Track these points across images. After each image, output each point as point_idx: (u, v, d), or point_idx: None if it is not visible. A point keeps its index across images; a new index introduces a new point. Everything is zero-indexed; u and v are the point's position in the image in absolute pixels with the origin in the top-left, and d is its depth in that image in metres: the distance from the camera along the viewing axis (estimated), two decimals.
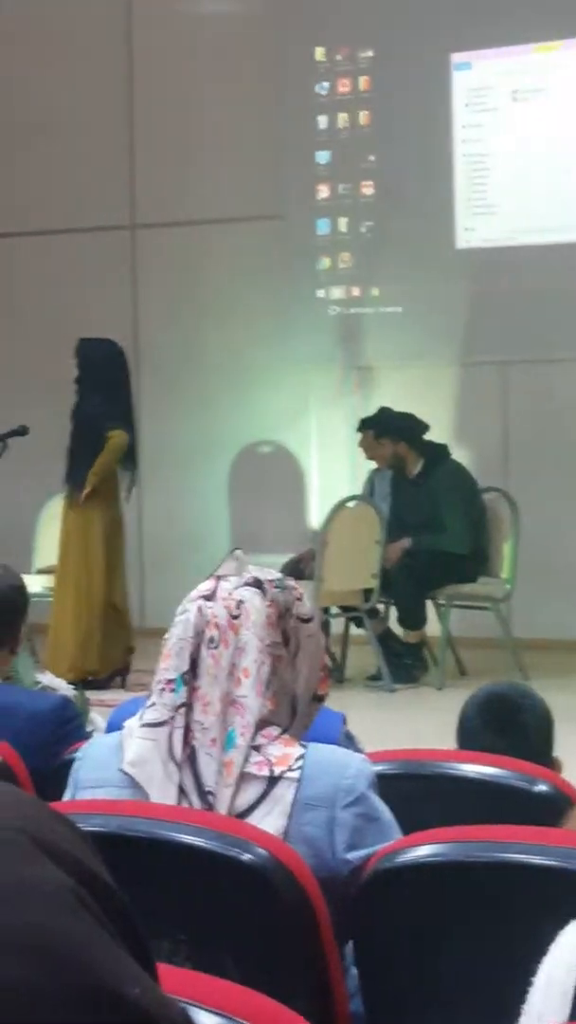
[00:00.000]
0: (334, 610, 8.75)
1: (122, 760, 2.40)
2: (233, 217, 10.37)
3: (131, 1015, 0.63)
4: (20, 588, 3.67)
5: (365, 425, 9.07)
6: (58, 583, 8.61)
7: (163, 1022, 0.64)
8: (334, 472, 10.06)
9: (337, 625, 8.84)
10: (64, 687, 4.64)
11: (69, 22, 10.75)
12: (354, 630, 8.88)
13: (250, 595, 2.40)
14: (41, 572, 9.10)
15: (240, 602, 2.39)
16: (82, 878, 0.66)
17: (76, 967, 0.61)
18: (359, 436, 9.10)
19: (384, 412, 9.09)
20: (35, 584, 7.85)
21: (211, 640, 2.37)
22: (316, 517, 9.81)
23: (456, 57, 9.84)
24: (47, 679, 4.73)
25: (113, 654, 8.57)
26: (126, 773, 2.39)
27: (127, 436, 8.57)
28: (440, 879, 2.22)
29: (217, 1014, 1.40)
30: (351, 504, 8.84)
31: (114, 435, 8.51)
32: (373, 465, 9.12)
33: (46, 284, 10.78)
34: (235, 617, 2.38)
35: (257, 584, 2.41)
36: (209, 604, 2.40)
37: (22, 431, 8.18)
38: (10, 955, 0.59)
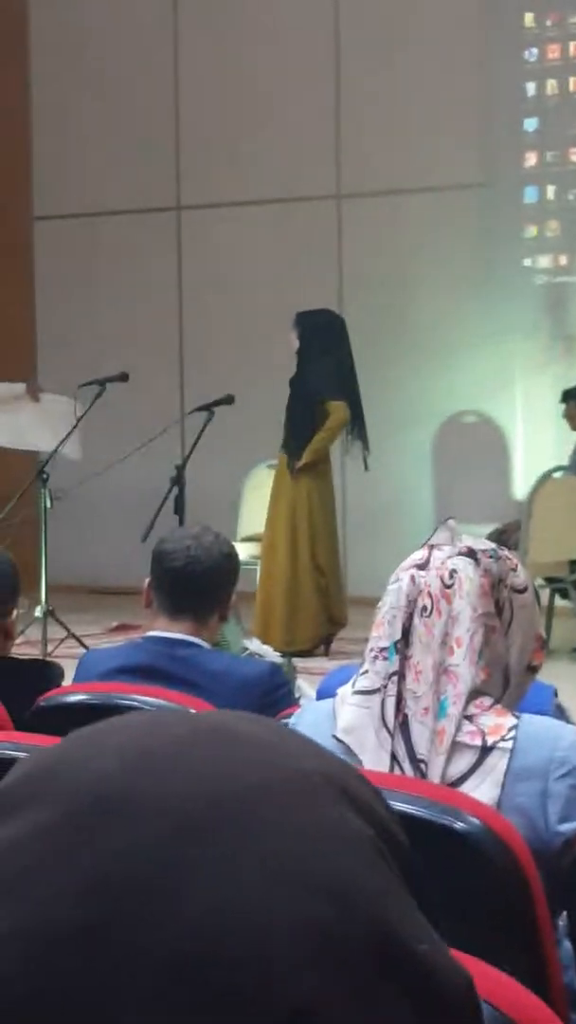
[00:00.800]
0: (539, 581, 8.69)
1: (335, 727, 2.42)
2: (439, 186, 10.32)
3: (417, 969, 0.64)
4: (231, 555, 3.70)
5: (570, 396, 8.97)
6: (267, 551, 8.66)
7: (448, 981, 0.65)
8: (539, 442, 9.97)
9: (543, 597, 8.77)
10: (271, 654, 4.69)
11: (276, 2, 10.79)
12: (559, 602, 8.81)
13: (463, 564, 2.39)
14: (246, 540, 9.19)
15: (453, 571, 2.38)
16: (380, 832, 0.69)
17: (369, 915, 0.63)
18: (563, 407, 9.01)
19: None
20: (241, 552, 7.92)
21: (424, 609, 2.37)
22: (521, 488, 9.73)
23: None
24: (254, 646, 4.80)
25: (321, 624, 8.61)
26: (339, 740, 2.40)
27: (347, 410, 8.58)
28: None
29: None
30: (557, 475, 8.76)
31: (334, 407, 8.52)
32: None
33: (252, 255, 10.85)
34: (448, 586, 2.37)
35: (470, 554, 2.41)
36: (422, 573, 2.39)
37: (228, 400, 8.24)
38: (307, 894, 0.61)
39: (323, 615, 8.61)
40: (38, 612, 8.25)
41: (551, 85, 10.13)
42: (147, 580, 3.68)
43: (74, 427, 8.43)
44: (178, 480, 7.79)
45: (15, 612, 3.76)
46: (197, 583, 3.60)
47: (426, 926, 0.66)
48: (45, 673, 3.75)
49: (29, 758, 0.70)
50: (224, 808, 0.64)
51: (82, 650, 7.00)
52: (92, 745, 0.69)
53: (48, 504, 8.30)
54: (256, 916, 0.60)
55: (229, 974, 0.59)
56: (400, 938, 0.64)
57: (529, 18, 10.15)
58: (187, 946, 0.59)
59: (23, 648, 7.80)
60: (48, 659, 5.89)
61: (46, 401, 8.96)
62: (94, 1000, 0.59)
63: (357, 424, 8.70)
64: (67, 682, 3.75)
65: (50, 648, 7.98)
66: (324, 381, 8.53)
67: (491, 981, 1.46)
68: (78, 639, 8.22)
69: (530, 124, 10.19)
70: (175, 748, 0.68)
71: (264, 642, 8.02)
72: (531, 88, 10.18)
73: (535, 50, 10.16)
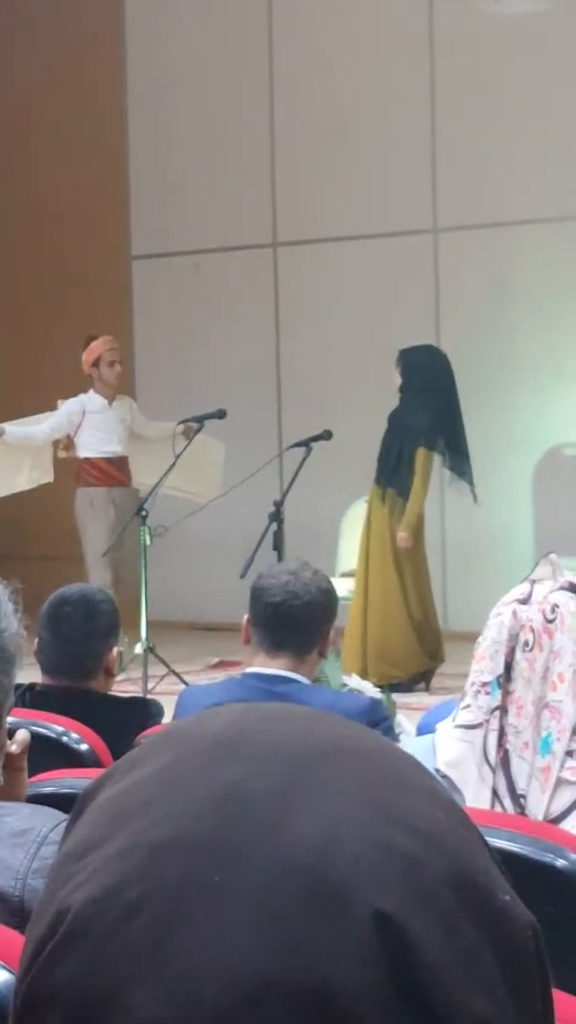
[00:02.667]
0: None
1: (436, 762, 2.41)
2: (539, 218, 10.29)
3: (496, 913, 0.71)
4: (329, 591, 3.70)
5: None
6: (359, 586, 8.66)
7: (522, 932, 0.72)
8: None
9: None
10: (370, 689, 4.67)
11: (371, 24, 10.82)
12: None
13: (565, 599, 2.37)
14: (345, 575, 9.17)
15: (555, 606, 2.37)
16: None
17: (453, 858, 0.71)
18: None
19: None
20: (340, 588, 7.92)
21: (526, 644, 2.36)
22: None
23: None
24: (353, 682, 4.78)
25: (416, 658, 8.58)
26: (442, 775, 2.39)
27: (429, 458, 8.56)
28: None
29: None
30: None
31: (420, 457, 8.51)
32: None
33: (349, 290, 10.87)
34: (550, 621, 2.36)
35: (572, 588, 2.39)
36: (524, 607, 2.39)
37: (326, 435, 8.25)
38: (398, 829, 0.70)
39: (419, 649, 8.57)
40: (139, 649, 8.28)
41: None
42: (246, 616, 3.69)
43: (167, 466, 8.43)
44: (277, 516, 7.80)
45: (116, 649, 3.79)
46: (295, 619, 3.60)
47: (506, 885, 0.74)
48: (145, 710, 3.77)
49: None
50: (330, 755, 0.74)
51: (182, 687, 7.02)
52: (206, 715, 0.79)
53: (148, 540, 8.34)
54: (351, 838, 0.69)
55: (324, 880, 0.68)
56: (481, 883, 0.72)
57: None
58: (294, 855, 0.68)
59: (124, 685, 7.85)
60: (148, 696, 5.91)
61: (199, 443, 8.86)
62: (203, 899, 0.68)
63: (458, 459, 8.67)
64: (166, 719, 3.77)
65: (151, 684, 8.00)
66: (420, 423, 8.51)
67: None
68: (178, 676, 8.25)
69: None
70: (289, 711, 0.79)
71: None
72: None
73: None
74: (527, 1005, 0.72)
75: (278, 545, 7.73)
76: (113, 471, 9.20)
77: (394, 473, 8.52)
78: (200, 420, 8.69)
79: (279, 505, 7.87)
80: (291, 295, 11.29)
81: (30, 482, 9.46)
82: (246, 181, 11.34)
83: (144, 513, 8.24)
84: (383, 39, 10.82)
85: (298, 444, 8.31)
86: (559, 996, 1.53)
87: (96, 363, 9.32)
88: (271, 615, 3.61)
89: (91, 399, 9.31)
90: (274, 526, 7.77)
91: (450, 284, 10.71)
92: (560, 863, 2.14)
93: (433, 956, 0.68)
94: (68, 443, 9.35)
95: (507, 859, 2.23)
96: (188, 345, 11.25)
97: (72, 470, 9.39)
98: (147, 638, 8.31)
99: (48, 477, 9.42)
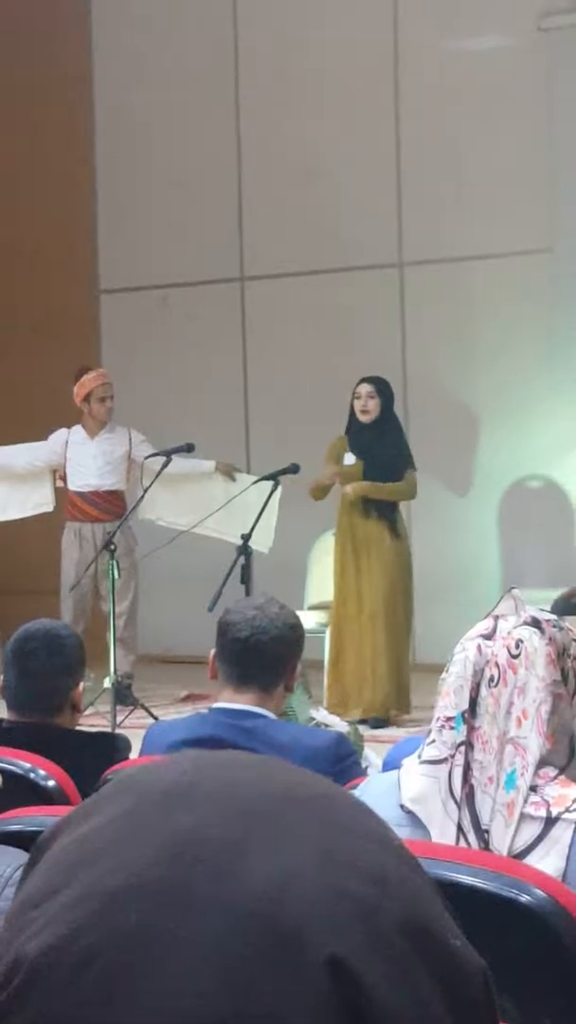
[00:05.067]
0: None
1: (400, 798, 2.42)
2: (503, 252, 10.35)
3: (448, 958, 0.73)
4: (296, 626, 3.71)
5: None
6: (345, 609, 8.56)
7: (474, 978, 0.73)
8: None
9: None
10: (339, 724, 4.68)
11: (337, 62, 10.89)
12: None
13: (529, 634, 2.39)
14: (313, 608, 9.18)
15: (519, 641, 2.38)
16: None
17: (406, 903, 0.72)
18: None
19: None
20: (308, 621, 7.92)
21: (491, 679, 2.37)
22: None
23: None
24: (321, 715, 4.79)
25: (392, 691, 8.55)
26: (406, 811, 2.40)
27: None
28: None
29: None
30: None
31: (411, 476, 8.53)
32: None
33: (316, 323, 10.91)
34: (514, 656, 2.37)
35: (535, 623, 2.41)
36: (488, 643, 2.40)
37: (294, 469, 8.27)
38: (352, 874, 0.71)
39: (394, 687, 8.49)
40: (107, 683, 8.27)
41: None
42: (212, 651, 3.69)
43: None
44: (244, 549, 7.81)
45: (82, 685, 3.79)
46: (262, 654, 3.61)
47: (457, 930, 0.75)
48: (112, 745, 3.77)
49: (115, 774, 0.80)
50: (283, 802, 0.75)
51: (151, 721, 7.01)
52: (160, 763, 0.80)
53: (116, 575, 8.33)
54: (305, 884, 0.70)
55: (280, 926, 0.69)
56: (434, 928, 0.73)
57: None
58: (248, 902, 0.69)
59: (92, 719, 7.83)
60: (115, 732, 5.91)
61: (242, 482, 8.80)
62: (158, 946, 0.69)
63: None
64: (134, 754, 3.77)
65: (119, 718, 7.99)
66: (406, 448, 8.55)
67: None
68: (147, 710, 8.24)
69: None
70: (241, 759, 0.80)
71: (350, 714, 8.03)
72: None
73: None
74: None
75: (246, 579, 7.74)
76: (85, 505, 9.15)
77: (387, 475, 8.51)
78: (168, 454, 8.69)
79: (246, 539, 7.87)
80: (258, 329, 11.32)
81: (26, 510, 9.40)
82: (213, 216, 11.38)
83: (113, 547, 8.23)
84: (349, 77, 10.88)
85: (265, 477, 8.32)
86: None
87: (87, 398, 9.27)
88: (238, 650, 3.62)
89: (75, 432, 9.29)
90: (242, 559, 7.78)
91: (416, 317, 10.76)
92: (524, 899, 2.14)
93: (386, 1001, 0.69)
94: (63, 473, 9.33)
95: (472, 895, 2.24)
96: (156, 378, 11.27)
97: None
98: (115, 672, 8.30)
99: (48, 506, 9.35)
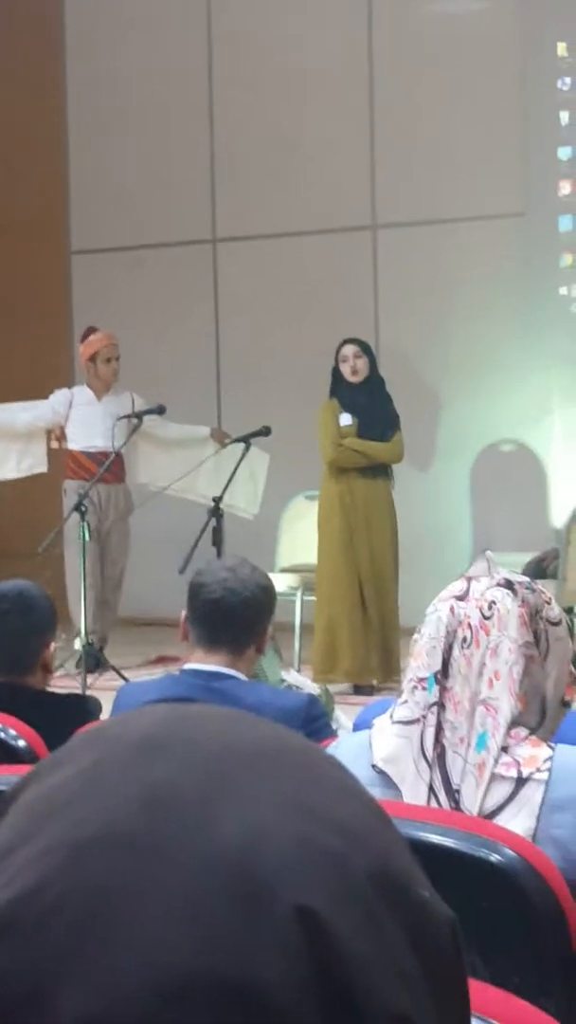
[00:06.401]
0: None
1: (372, 758, 2.42)
2: (476, 215, 10.34)
3: (417, 909, 0.73)
4: (268, 587, 3.70)
5: None
6: (346, 585, 8.52)
7: (442, 929, 0.74)
8: None
9: None
10: (309, 685, 4.69)
11: (311, 23, 10.84)
12: None
13: (501, 596, 2.40)
14: (285, 571, 9.19)
15: (492, 603, 2.39)
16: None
17: (374, 855, 0.72)
18: None
19: None
20: (279, 583, 7.91)
21: (463, 640, 2.38)
22: (559, 516, 9.72)
23: None
24: (292, 677, 4.79)
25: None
26: (378, 771, 2.41)
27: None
28: None
29: (475, 1017, 1.40)
30: None
31: (399, 437, 8.47)
32: None
33: (289, 286, 10.89)
34: (487, 618, 2.38)
35: (508, 585, 2.41)
36: (462, 604, 2.40)
37: (265, 431, 8.25)
38: (320, 826, 0.71)
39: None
40: (77, 645, 8.26)
41: None
42: (184, 613, 3.69)
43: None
44: (216, 512, 7.80)
45: (53, 645, 3.78)
46: (233, 615, 3.60)
47: (426, 881, 0.75)
48: (82, 707, 3.77)
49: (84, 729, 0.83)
50: (254, 755, 0.75)
51: (121, 683, 7.01)
52: (131, 715, 0.80)
53: (87, 537, 8.32)
54: (275, 836, 0.70)
55: (250, 878, 0.69)
56: (404, 880, 0.73)
57: (562, 47, 10.17)
58: (218, 852, 0.69)
59: (63, 681, 7.83)
60: (86, 693, 5.91)
61: (231, 449, 8.69)
62: (128, 896, 0.68)
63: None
64: (105, 716, 3.76)
65: (89, 680, 7.99)
66: (394, 412, 8.49)
67: (525, 1016, 1.46)
68: (118, 671, 8.23)
69: (564, 153, 10.20)
70: (213, 713, 0.79)
71: (339, 679, 8.01)
72: (565, 117, 10.19)
73: (568, 79, 10.17)
74: (445, 1000, 0.73)
75: (217, 541, 7.73)
76: (93, 466, 8.99)
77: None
78: (139, 416, 8.66)
79: (218, 501, 7.86)
80: (230, 291, 11.29)
81: (20, 471, 9.36)
82: (186, 178, 11.33)
83: (83, 509, 8.21)
84: (323, 38, 10.83)
85: (237, 440, 8.31)
86: (491, 990, 1.55)
87: (93, 358, 9.24)
88: (209, 611, 3.61)
89: (81, 392, 9.24)
90: (213, 522, 7.77)
91: (388, 280, 10.74)
92: (494, 858, 2.15)
93: (356, 951, 0.69)
94: (60, 434, 9.28)
95: (442, 854, 2.25)
96: (127, 340, 11.19)
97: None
98: (86, 634, 8.30)
99: (42, 467, 9.30)
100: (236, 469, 8.13)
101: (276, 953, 0.68)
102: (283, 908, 0.68)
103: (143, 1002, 0.67)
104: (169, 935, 0.68)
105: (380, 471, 8.44)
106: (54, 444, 9.30)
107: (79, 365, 9.93)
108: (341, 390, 8.53)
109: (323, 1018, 0.68)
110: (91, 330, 9.36)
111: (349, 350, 8.53)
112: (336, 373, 8.55)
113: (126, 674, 8.09)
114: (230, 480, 8.07)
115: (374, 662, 8.30)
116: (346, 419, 8.44)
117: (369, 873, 0.72)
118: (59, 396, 9.25)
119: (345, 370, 8.51)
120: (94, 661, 8.39)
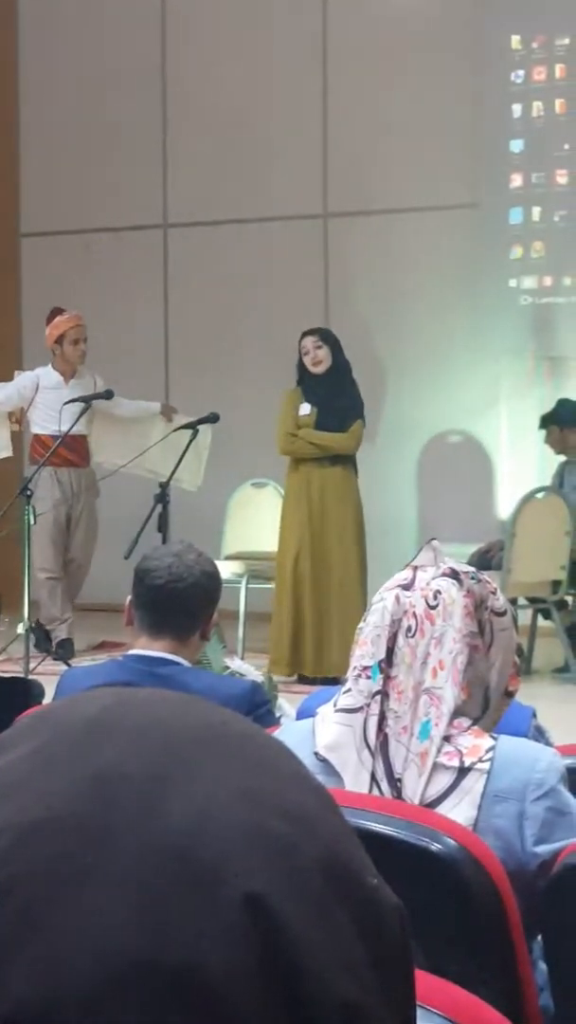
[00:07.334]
0: (522, 601, 8.70)
1: (315, 745, 2.42)
2: (427, 206, 10.35)
3: (364, 896, 0.73)
4: (213, 574, 3.69)
5: (548, 421, 9.03)
6: (310, 578, 8.44)
7: (389, 915, 0.74)
8: (523, 462, 9.99)
9: (524, 616, 8.78)
10: (253, 673, 4.68)
11: (266, 12, 10.82)
12: (542, 622, 8.82)
13: (447, 585, 2.40)
14: (230, 558, 9.18)
15: (437, 592, 2.39)
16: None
17: (323, 842, 0.72)
18: (544, 432, 9.07)
19: (566, 403, 9.06)
20: (225, 570, 7.90)
21: (408, 629, 2.38)
22: (505, 507, 9.75)
23: None
24: (236, 664, 4.79)
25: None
26: (320, 759, 2.41)
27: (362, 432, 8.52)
28: None
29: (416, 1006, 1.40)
30: (540, 495, 8.77)
31: (357, 425, 8.45)
32: (563, 457, 9.06)
33: (239, 272, 10.87)
34: (432, 607, 2.38)
35: (454, 575, 2.41)
36: (407, 593, 2.40)
37: (213, 418, 8.24)
38: (268, 812, 0.71)
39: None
40: (20, 629, 8.23)
41: (536, 107, 10.17)
42: (129, 598, 3.68)
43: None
44: (162, 497, 7.78)
45: None
46: (178, 601, 3.59)
47: (374, 869, 0.76)
48: (24, 691, 3.75)
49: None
50: (202, 740, 0.75)
51: (64, 668, 6.99)
52: (79, 698, 0.79)
53: (32, 521, 8.27)
54: (223, 821, 0.70)
55: (197, 862, 0.69)
56: (352, 867, 0.74)
57: (516, 40, 10.19)
58: (166, 837, 0.69)
59: (5, 665, 7.80)
60: (28, 677, 5.89)
61: (177, 423, 8.65)
62: (75, 880, 0.68)
63: None
64: (47, 701, 3.75)
65: (32, 665, 7.96)
66: (358, 400, 8.47)
67: (464, 1005, 1.46)
68: (62, 657, 8.21)
69: (516, 145, 10.22)
70: (161, 696, 0.79)
71: (292, 673, 8.01)
72: (517, 110, 10.21)
73: (521, 72, 10.20)
74: (392, 987, 0.74)
75: (163, 527, 7.71)
76: (60, 449, 8.88)
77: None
78: (87, 400, 8.62)
79: (164, 486, 7.85)
80: (180, 276, 11.26)
81: None
82: (137, 162, 11.29)
83: (29, 492, 8.16)
84: (278, 25, 10.81)
85: (184, 426, 8.29)
86: (430, 978, 1.55)
87: (59, 340, 9.12)
88: (154, 597, 3.60)
89: (47, 374, 9.07)
90: (159, 508, 7.75)
91: (339, 269, 10.74)
92: (435, 847, 2.16)
93: (303, 938, 0.69)
94: (19, 416, 9.16)
95: (384, 842, 2.25)
96: None
97: None
98: (29, 618, 8.26)
99: (6, 451, 9.20)
100: (184, 453, 8.11)
101: (222, 939, 0.67)
102: (231, 894, 0.68)
103: (88, 985, 0.67)
104: (115, 919, 0.67)
105: (339, 460, 8.44)
106: (13, 427, 9.21)
107: (29, 347, 9.86)
108: (306, 380, 8.54)
109: (270, 1004, 0.68)
110: (57, 311, 9.23)
111: (309, 342, 8.53)
112: (302, 364, 8.55)
113: (71, 660, 8.07)
114: (178, 464, 8.05)
115: (335, 656, 8.29)
116: (305, 409, 8.45)
117: (318, 860, 0.72)
118: (25, 379, 9.11)
119: (307, 361, 8.51)
120: (41, 643, 8.41)
